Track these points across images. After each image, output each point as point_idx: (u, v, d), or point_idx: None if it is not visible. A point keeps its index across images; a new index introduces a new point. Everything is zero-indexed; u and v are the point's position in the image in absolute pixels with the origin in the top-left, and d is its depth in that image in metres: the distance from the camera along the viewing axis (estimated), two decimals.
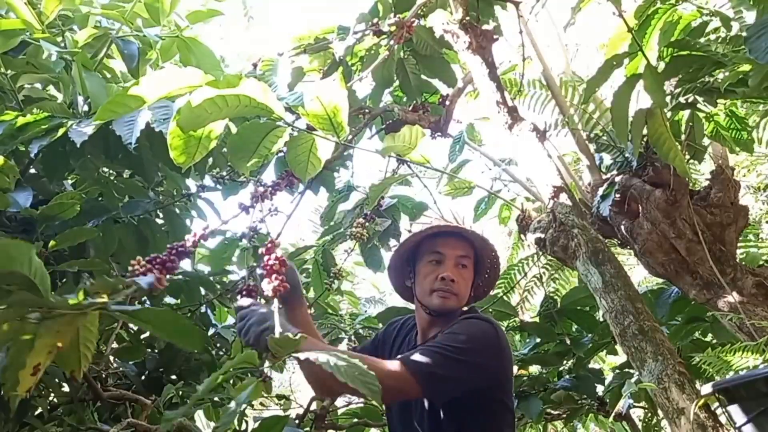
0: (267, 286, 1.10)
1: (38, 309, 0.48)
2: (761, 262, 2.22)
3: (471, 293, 1.54)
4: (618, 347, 1.76)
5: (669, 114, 1.83)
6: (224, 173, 2.19)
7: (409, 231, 2.91)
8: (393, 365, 1.22)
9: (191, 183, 2.15)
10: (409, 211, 2.63)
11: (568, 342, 2.63)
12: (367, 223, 2.39)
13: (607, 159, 2.20)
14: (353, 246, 2.49)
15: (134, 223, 1.89)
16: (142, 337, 2.30)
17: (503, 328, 1.57)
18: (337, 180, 2.64)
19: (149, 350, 2.34)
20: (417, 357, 1.25)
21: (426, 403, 1.39)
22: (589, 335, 2.60)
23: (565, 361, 2.79)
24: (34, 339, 0.48)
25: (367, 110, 2.23)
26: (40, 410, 1.91)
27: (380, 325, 2.71)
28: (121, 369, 2.35)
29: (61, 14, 1.86)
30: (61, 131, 1.44)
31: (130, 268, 1.03)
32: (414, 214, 2.66)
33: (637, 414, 3.22)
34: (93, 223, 1.73)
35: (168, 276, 1.06)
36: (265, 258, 1.13)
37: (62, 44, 1.77)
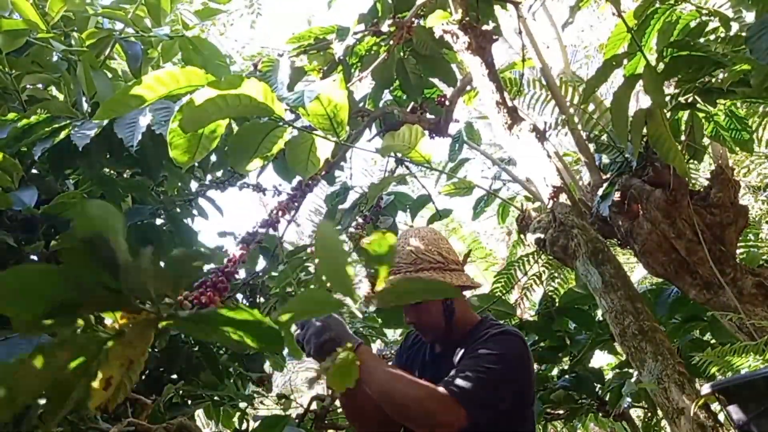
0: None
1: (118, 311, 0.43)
2: (761, 262, 2.22)
3: (448, 303, 1.43)
4: (618, 347, 1.76)
5: (669, 114, 1.83)
6: (221, 175, 2.19)
7: (411, 227, 2.91)
8: (440, 393, 1.22)
9: (191, 182, 2.15)
10: (407, 208, 2.64)
11: (568, 341, 2.64)
12: (366, 224, 2.39)
13: (607, 159, 2.20)
14: (353, 249, 2.49)
15: (140, 228, 1.90)
16: None
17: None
18: (335, 181, 2.65)
19: (149, 349, 2.33)
20: (459, 380, 1.24)
21: None
22: (586, 333, 2.61)
23: (564, 360, 2.79)
24: (105, 349, 0.43)
25: (366, 113, 2.23)
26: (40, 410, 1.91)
27: (380, 322, 2.72)
28: None
29: (63, 15, 1.87)
30: (63, 133, 1.44)
31: (177, 299, 1.02)
32: (414, 211, 2.66)
33: (637, 414, 3.22)
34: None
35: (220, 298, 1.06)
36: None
37: (67, 44, 1.78)
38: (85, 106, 1.71)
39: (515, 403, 1.34)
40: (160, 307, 0.44)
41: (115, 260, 0.39)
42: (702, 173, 3.17)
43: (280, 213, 1.29)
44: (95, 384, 0.44)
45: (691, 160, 2.18)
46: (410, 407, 1.18)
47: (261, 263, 2.33)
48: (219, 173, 2.17)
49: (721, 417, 1.44)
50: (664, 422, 2.76)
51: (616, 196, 2.02)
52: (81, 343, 0.42)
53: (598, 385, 2.71)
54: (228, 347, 2.49)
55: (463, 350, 1.38)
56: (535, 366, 2.96)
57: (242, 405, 2.79)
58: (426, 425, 1.21)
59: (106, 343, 0.43)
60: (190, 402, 2.42)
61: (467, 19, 1.87)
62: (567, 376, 2.69)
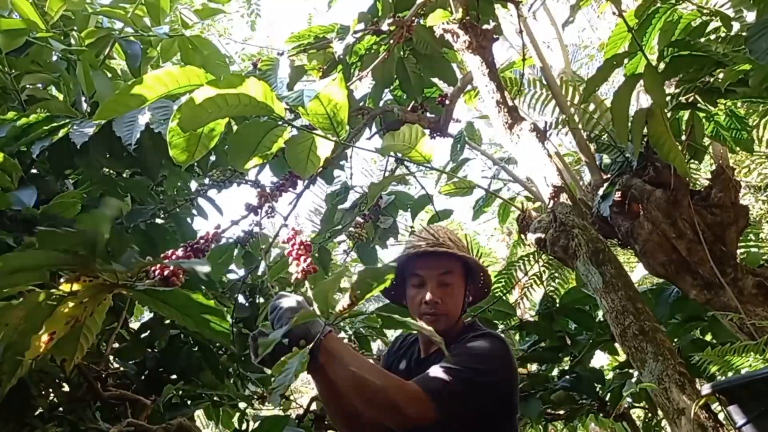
0: (296, 269, 1.13)
1: (69, 274, 0.46)
2: (762, 262, 2.22)
3: (466, 302, 1.49)
4: (618, 347, 1.76)
5: (669, 114, 1.83)
6: (221, 174, 2.19)
7: (411, 227, 2.91)
8: (409, 385, 1.21)
9: (191, 182, 2.15)
10: (407, 207, 2.63)
11: (568, 342, 2.64)
12: (366, 224, 2.39)
13: (608, 159, 2.20)
14: (351, 246, 2.49)
15: (142, 228, 1.90)
16: (142, 336, 2.30)
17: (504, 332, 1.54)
18: (335, 180, 2.65)
19: (149, 350, 2.33)
20: (432, 375, 1.23)
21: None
22: (587, 333, 2.61)
23: (564, 361, 2.79)
24: (56, 306, 0.46)
25: (366, 111, 2.23)
26: (40, 410, 1.91)
27: (379, 321, 2.71)
28: (121, 369, 2.35)
29: (62, 15, 1.87)
30: (62, 132, 1.44)
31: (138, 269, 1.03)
32: (414, 211, 2.66)
33: (637, 414, 3.22)
34: None
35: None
36: (290, 244, 1.14)
37: (66, 44, 1.78)
38: (85, 105, 1.71)
39: (496, 409, 1.33)
40: (118, 274, 0.47)
41: (74, 232, 0.45)
42: (702, 173, 3.17)
43: (263, 199, 1.29)
44: (37, 337, 0.46)
45: (692, 160, 2.18)
46: (377, 396, 1.14)
47: (262, 264, 2.32)
48: (218, 172, 2.17)
49: (722, 417, 1.44)
50: (664, 422, 2.76)
51: (617, 196, 2.01)
52: (33, 302, 0.45)
53: (599, 386, 2.70)
54: (226, 348, 2.49)
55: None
56: (535, 366, 2.95)
57: (242, 405, 2.78)
58: (393, 417, 1.17)
59: (58, 303, 0.46)
60: (190, 402, 2.42)
61: (468, 18, 1.86)
62: (567, 377, 2.69)
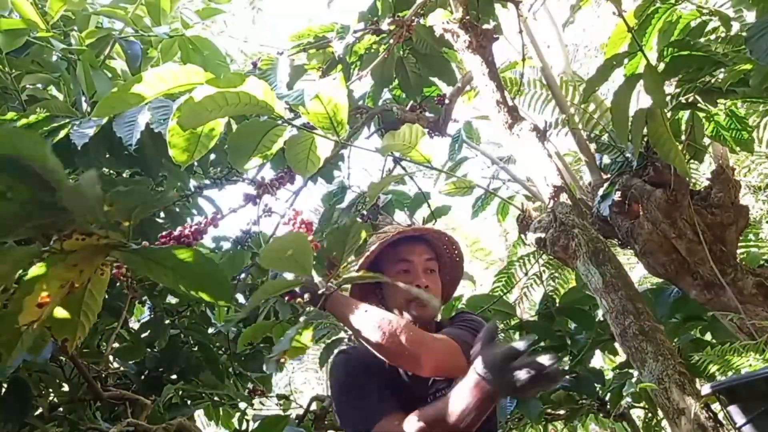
0: None
1: (58, 231, 0.43)
2: (762, 262, 2.22)
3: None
4: (618, 347, 1.76)
5: (669, 114, 1.83)
6: (220, 173, 2.19)
7: (410, 226, 2.91)
8: (443, 338, 1.20)
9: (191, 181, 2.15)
10: (404, 206, 2.63)
11: (568, 341, 2.63)
12: (365, 224, 2.38)
13: (608, 159, 2.20)
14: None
15: (140, 230, 1.90)
16: (143, 336, 2.30)
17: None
18: (333, 180, 2.65)
19: (149, 350, 2.33)
20: (454, 332, 1.25)
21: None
22: (587, 333, 2.61)
23: (564, 361, 2.78)
24: (48, 268, 0.43)
25: (365, 110, 2.23)
26: (40, 410, 1.91)
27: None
28: (121, 369, 2.35)
29: (62, 15, 1.87)
30: (63, 132, 1.44)
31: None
32: (412, 210, 2.66)
33: (637, 414, 3.21)
34: None
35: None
36: (291, 224, 1.13)
37: (66, 44, 1.78)
38: (85, 105, 1.71)
39: None
40: (110, 232, 0.43)
41: (47, 180, 0.38)
42: (702, 173, 3.17)
43: (261, 189, 1.29)
44: (32, 298, 0.43)
45: (692, 160, 2.18)
46: (409, 352, 1.11)
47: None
48: (218, 170, 2.17)
49: (722, 417, 1.44)
50: (664, 422, 2.76)
51: (617, 196, 2.01)
52: (17, 256, 0.41)
53: (599, 386, 2.70)
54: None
55: None
56: None
57: (242, 405, 2.78)
58: (428, 365, 1.14)
59: (50, 265, 0.42)
60: (190, 402, 2.42)
61: (468, 17, 1.86)
62: (567, 377, 2.68)
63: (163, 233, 1.07)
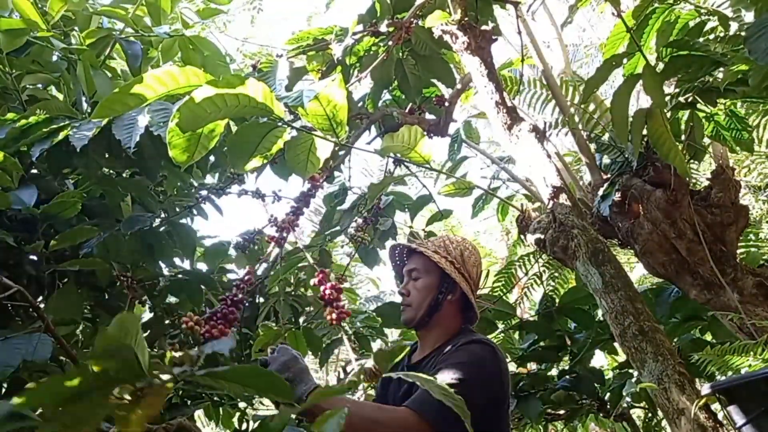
0: (327, 317, 1.15)
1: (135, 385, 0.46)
2: (762, 262, 2.22)
3: (439, 300, 1.50)
4: (618, 347, 1.76)
5: (669, 114, 1.83)
6: (219, 180, 2.19)
7: (411, 227, 2.92)
8: (402, 414, 1.22)
9: (191, 182, 2.15)
10: (405, 207, 2.64)
11: (568, 341, 2.63)
12: (366, 226, 2.38)
13: (607, 159, 2.20)
14: (355, 250, 2.49)
15: (139, 233, 1.90)
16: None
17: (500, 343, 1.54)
18: (334, 181, 2.65)
19: (149, 350, 2.33)
20: (421, 398, 1.24)
21: None
22: (586, 333, 2.61)
23: (564, 360, 2.79)
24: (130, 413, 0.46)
25: (365, 115, 2.23)
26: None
27: (380, 322, 2.71)
28: None
29: (63, 15, 1.87)
30: (62, 134, 1.44)
31: (183, 326, 1.03)
32: (413, 211, 2.66)
33: (637, 414, 3.21)
34: (99, 239, 1.74)
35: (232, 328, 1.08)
36: (321, 288, 1.14)
37: (67, 44, 1.78)
38: (85, 105, 1.71)
39: (487, 405, 1.34)
40: (177, 376, 0.48)
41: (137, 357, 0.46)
42: (702, 173, 3.17)
43: (285, 231, 1.28)
44: None
45: (692, 160, 2.18)
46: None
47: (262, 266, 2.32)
48: (217, 178, 2.17)
49: (722, 417, 1.44)
50: (664, 423, 2.76)
51: (617, 196, 2.01)
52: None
53: (599, 386, 2.70)
54: None
55: (435, 360, 1.40)
56: (535, 366, 2.95)
57: (242, 405, 2.78)
58: None
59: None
60: (190, 402, 2.42)
61: (466, 19, 1.87)
62: (567, 377, 2.69)
63: (210, 313, 1.06)
